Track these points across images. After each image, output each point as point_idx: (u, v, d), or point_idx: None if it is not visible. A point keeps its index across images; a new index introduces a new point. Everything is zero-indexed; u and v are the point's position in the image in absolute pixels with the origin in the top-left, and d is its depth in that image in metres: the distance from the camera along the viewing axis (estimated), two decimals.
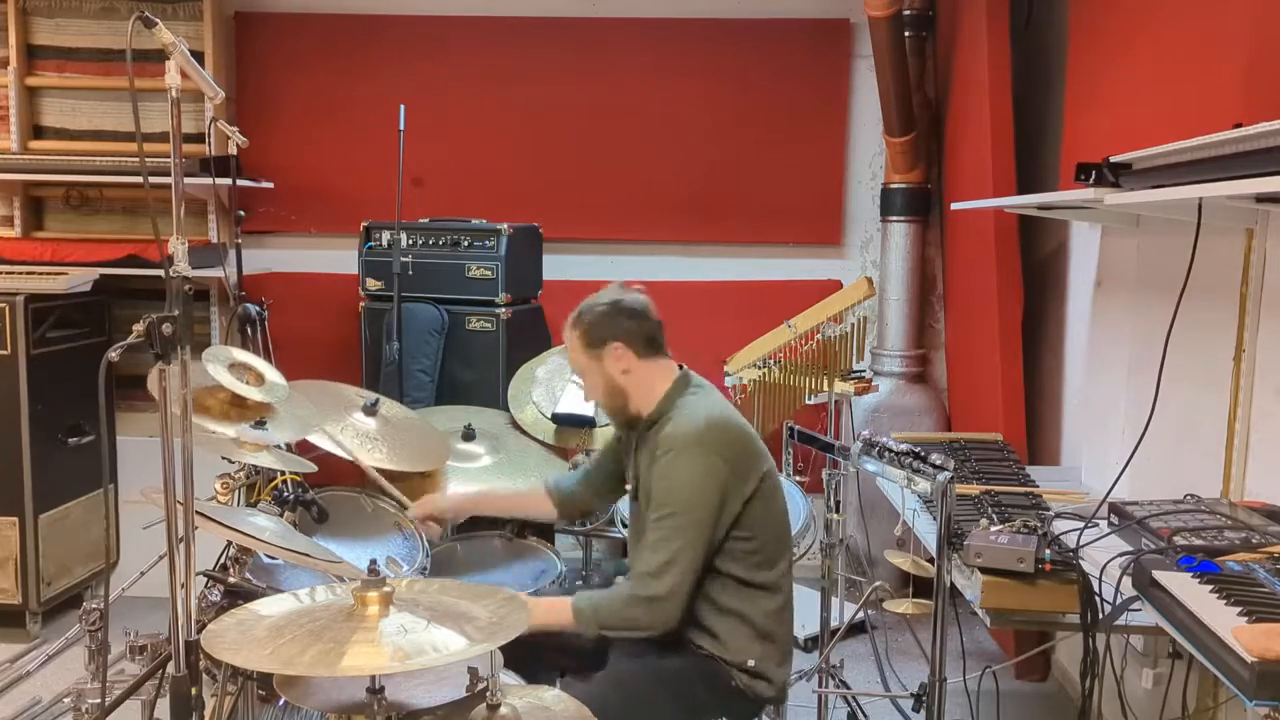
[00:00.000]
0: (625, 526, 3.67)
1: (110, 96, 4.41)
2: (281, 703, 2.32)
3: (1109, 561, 2.01)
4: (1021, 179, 3.69)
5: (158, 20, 1.75)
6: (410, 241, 3.99)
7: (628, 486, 2.50)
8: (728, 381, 3.94)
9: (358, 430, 2.87)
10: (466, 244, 4.01)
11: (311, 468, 2.59)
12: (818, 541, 3.12)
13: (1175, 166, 2.11)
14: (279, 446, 2.53)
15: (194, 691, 1.79)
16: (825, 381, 3.69)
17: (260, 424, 2.52)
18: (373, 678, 1.72)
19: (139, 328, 1.70)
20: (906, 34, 4.17)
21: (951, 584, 2.13)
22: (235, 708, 2.24)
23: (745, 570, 2.25)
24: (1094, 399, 3.32)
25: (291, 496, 2.64)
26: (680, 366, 2.41)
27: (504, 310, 3.95)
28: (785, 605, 2.33)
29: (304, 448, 2.83)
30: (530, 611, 2.15)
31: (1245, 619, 1.63)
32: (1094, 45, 3.20)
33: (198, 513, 1.91)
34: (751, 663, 2.26)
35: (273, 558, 2.50)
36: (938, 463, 2.03)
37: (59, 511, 4.03)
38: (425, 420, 3.17)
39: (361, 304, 4.10)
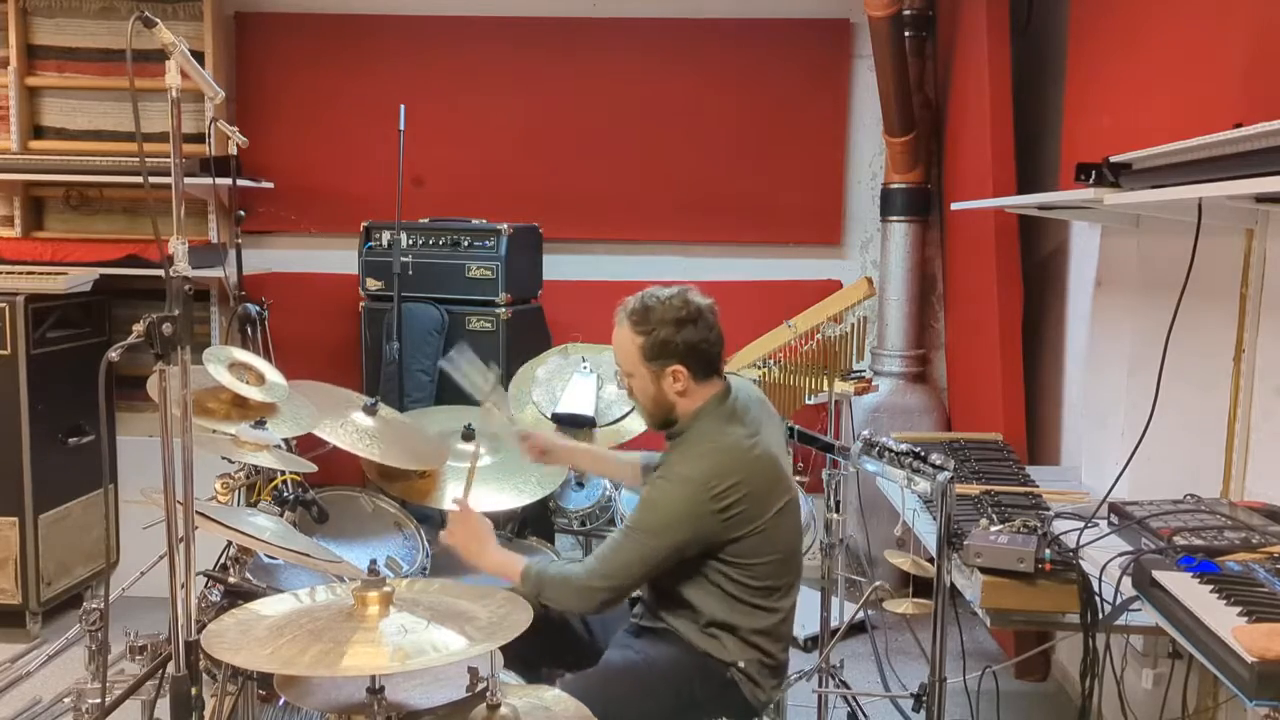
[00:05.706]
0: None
1: (110, 96, 4.41)
2: (281, 703, 2.33)
3: (1109, 561, 2.01)
4: (1021, 179, 3.69)
5: (158, 20, 1.74)
6: (410, 241, 3.99)
7: None
8: None
9: (357, 428, 2.87)
10: (466, 244, 4.01)
11: (311, 468, 2.59)
12: (818, 541, 3.12)
13: (1175, 166, 2.11)
14: (278, 446, 2.53)
15: (194, 691, 1.79)
16: (825, 381, 3.68)
17: (260, 424, 2.52)
18: (373, 678, 1.72)
19: (139, 328, 1.70)
20: (906, 34, 4.17)
21: (951, 584, 2.13)
22: (235, 708, 2.24)
23: (739, 589, 2.25)
24: (1094, 399, 3.32)
25: (291, 496, 2.64)
26: (725, 381, 2.33)
27: (504, 310, 3.95)
28: (782, 622, 2.31)
29: (305, 446, 2.83)
30: (485, 552, 2.36)
31: (1245, 619, 1.63)
32: (1094, 45, 3.20)
33: (198, 513, 1.91)
34: (742, 664, 2.27)
35: (273, 558, 2.51)
36: (938, 463, 2.03)
37: (59, 511, 4.03)
38: (421, 422, 3.17)
39: (361, 304, 4.10)
